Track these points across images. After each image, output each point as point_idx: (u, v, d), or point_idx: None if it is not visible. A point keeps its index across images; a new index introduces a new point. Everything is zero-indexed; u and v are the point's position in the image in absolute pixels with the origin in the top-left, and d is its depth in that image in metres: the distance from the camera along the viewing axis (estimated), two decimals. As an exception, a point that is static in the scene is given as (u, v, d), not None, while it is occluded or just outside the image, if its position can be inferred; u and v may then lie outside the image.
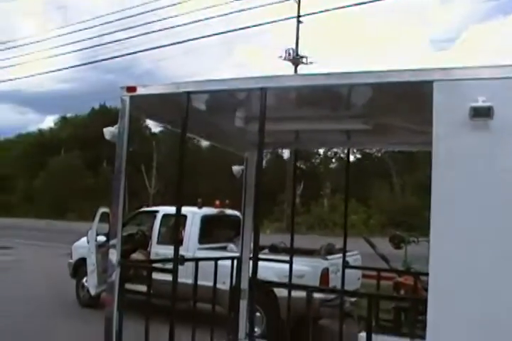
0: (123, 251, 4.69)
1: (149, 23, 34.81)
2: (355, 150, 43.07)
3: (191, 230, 10.73)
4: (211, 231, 11.29)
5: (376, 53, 79.50)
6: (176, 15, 34.34)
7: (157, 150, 55.64)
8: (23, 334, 9.14)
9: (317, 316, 9.01)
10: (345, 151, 7.21)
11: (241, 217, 6.62)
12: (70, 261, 12.39)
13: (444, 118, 3.49)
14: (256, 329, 8.43)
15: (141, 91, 4.53)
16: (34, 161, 66.61)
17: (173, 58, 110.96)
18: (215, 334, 5.96)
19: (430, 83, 3.53)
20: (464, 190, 3.45)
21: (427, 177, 3.57)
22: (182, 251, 6.88)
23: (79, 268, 11.69)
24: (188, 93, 4.33)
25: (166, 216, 11.28)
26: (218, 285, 6.11)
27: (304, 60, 42.13)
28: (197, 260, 6.19)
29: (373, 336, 4.07)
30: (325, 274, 9.17)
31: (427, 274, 3.59)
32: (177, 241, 4.89)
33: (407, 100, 4.26)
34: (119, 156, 4.54)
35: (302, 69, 41.72)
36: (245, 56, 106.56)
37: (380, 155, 54.73)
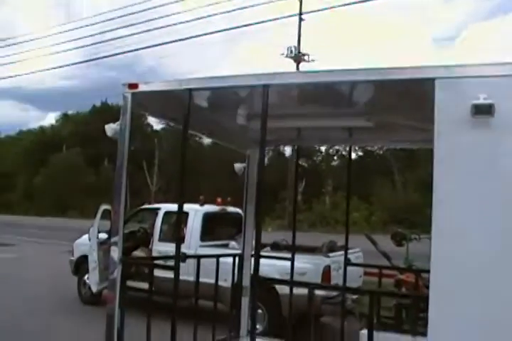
0: (124, 249, 4.69)
1: (151, 20, 34.66)
2: (356, 148, 43.06)
3: (193, 227, 10.73)
4: (213, 228, 11.28)
5: (378, 51, 79.40)
6: (179, 12, 34.30)
7: (159, 148, 55.65)
8: (25, 332, 9.15)
9: (319, 313, 9.01)
10: (347, 149, 7.20)
11: (243, 214, 6.62)
12: (72, 258, 12.39)
13: (446, 116, 3.49)
14: (257, 327, 8.46)
15: (142, 88, 4.54)
16: (35, 158, 66.64)
17: (176, 55, 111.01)
18: (217, 331, 5.96)
19: (432, 80, 3.53)
20: (465, 187, 3.45)
21: (429, 174, 3.57)
22: (184, 249, 6.89)
23: (80, 265, 11.70)
24: (190, 90, 4.33)
25: (167, 213, 11.28)
26: (220, 283, 6.11)
27: (306, 57, 42.09)
28: (199, 257, 6.19)
29: (374, 333, 4.07)
30: (327, 271, 9.17)
31: (428, 271, 3.59)
32: (179, 239, 4.89)
33: (408, 97, 4.26)
34: (120, 153, 4.54)
35: (304, 66, 41.69)
36: (247, 53, 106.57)
37: (381, 152, 54.75)
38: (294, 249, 6.57)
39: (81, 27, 38.62)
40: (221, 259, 6.17)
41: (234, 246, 9.93)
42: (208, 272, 5.89)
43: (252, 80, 4.25)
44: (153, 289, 5.19)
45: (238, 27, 31.87)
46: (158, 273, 5.24)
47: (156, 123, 63.18)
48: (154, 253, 10.75)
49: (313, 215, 45.45)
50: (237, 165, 6.53)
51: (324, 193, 50.80)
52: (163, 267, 5.42)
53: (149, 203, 19.93)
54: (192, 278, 5.65)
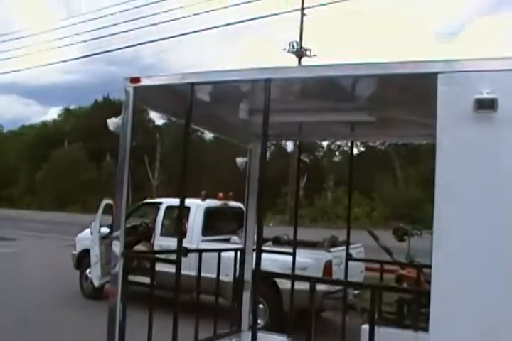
0: (126, 243, 4.69)
1: (153, 14, 34.62)
2: (358, 143, 43.06)
3: (195, 222, 10.74)
4: (214, 223, 11.30)
5: (380, 45, 79.21)
6: (181, 7, 34.26)
7: (160, 143, 55.67)
8: (28, 325, 9.18)
9: (320, 308, 9.03)
10: (349, 144, 7.19)
11: (244, 208, 6.62)
12: (74, 252, 12.42)
13: (448, 111, 3.48)
14: (259, 321, 8.47)
15: (145, 82, 4.52)
16: (37, 153, 66.65)
17: (177, 51, 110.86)
18: (218, 326, 5.97)
19: (434, 75, 3.52)
20: (467, 182, 3.45)
21: (431, 170, 3.56)
22: (185, 243, 6.88)
23: (82, 259, 11.73)
24: (192, 84, 4.32)
25: (169, 208, 11.31)
26: (221, 277, 6.11)
27: (308, 52, 42.01)
28: (200, 251, 6.19)
29: (376, 328, 4.07)
30: (328, 266, 9.19)
31: (429, 267, 3.59)
32: (180, 233, 4.89)
33: (411, 92, 4.25)
34: (122, 148, 4.54)
35: (306, 61, 41.59)
36: (249, 48, 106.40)
37: (383, 148, 54.75)
38: (295, 243, 6.57)
39: (83, 22, 38.58)
40: (222, 254, 6.17)
41: (235, 241, 9.94)
42: (210, 267, 5.89)
43: (254, 74, 4.24)
44: (155, 283, 5.19)
45: (240, 22, 31.81)
46: (159, 267, 5.23)
47: (157, 119, 63.32)
48: (156, 248, 10.77)
49: (315, 210, 45.53)
50: (239, 160, 6.52)
51: (326, 188, 50.86)
52: (165, 261, 5.42)
53: (151, 198, 19.94)
54: (193, 273, 5.65)
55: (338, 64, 3.96)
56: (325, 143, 59.89)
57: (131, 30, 34.69)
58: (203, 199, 11.19)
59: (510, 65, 3.39)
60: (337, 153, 62.63)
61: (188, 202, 5.62)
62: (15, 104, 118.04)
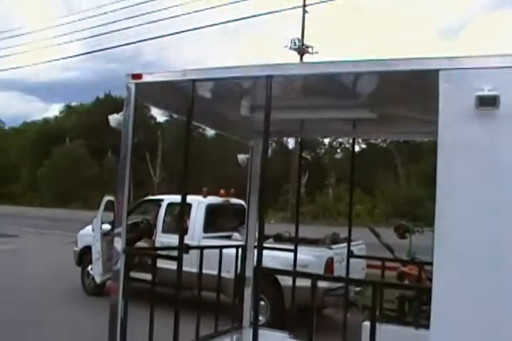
0: (128, 240, 4.70)
1: (154, 11, 34.63)
2: (360, 141, 43.02)
3: (196, 219, 10.75)
4: (216, 220, 11.31)
5: (382, 42, 79.20)
6: (182, 4, 34.21)
7: (162, 140, 55.67)
8: (29, 322, 9.19)
9: (321, 305, 9.04)
10: (351, 141, 7.18)
11: (246, 205, 6.62)
12: (76, 249, 12.44)
13: (450, 108, 3.47)
14: (260, 318, 8.46)
15: (146, 78, 4.52)
16: (39, 150, 66.69)
17: (178, 47, 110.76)
18: (220, 322, 5.98)
19: (436, 72, 3.52)
20: (469, 180, 3.44)
21: (432, 167, 3.56)
22: (187, 240, 6.90)
23: (84, 256, 11.75)
24: (194, 81, 4.32)
25: (170, 204, 11.31)
26: (223, 274, 6.12)
27: (310, 49, 41.98)
28: (202, 248, 6.20)
29: (377, 325, 4.07)
30: (329, 263, 9.20)
31: (431, 264, 3.59)
32: (182, 230, 4.89)
33: (412, 89, 4.25)
34: (124, 144, 4.54)
35: (307, 59, 41.59)
36: (250, 46, 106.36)
37: (385, 145, 54.71)
38: (296, 240, 6.57)
39: (83, 19, 38.54)
40: (224, 251, 6.17)
41: (237, 238, 9.94)
42: (211, 263, 5.90)
43: (255, 71, 4.23)
44: (157, 280, 5.20)
45: (240, 19, 31.76)
46: (161, 264, 5.24)
47: (159, 116, 63.24)
48: (157, 245, 10.79)
49: (316, 207, 45.53)
50: (241, 157, 6.52)
51: (327, 186, 50.83)
52: (167, 257, 5.42)
53: (152, 195, 19.95)
54: (195, 270, 5.66)
55: (340, 61, 3.95)
56: (326, 141, 59.86)
57: (131, 27, 34.66)
58: (205, 196, 11.20)
59: (511, 62, 3.38)
60: (338, 150, 62.61)
61: (189, 198, 5.62)
62: (16, 101, 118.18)
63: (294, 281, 6.10)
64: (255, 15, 30.66)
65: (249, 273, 6.25)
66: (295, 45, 41.58)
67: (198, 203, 10.87)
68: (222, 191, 11.63)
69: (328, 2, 29.96)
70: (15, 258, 17.13)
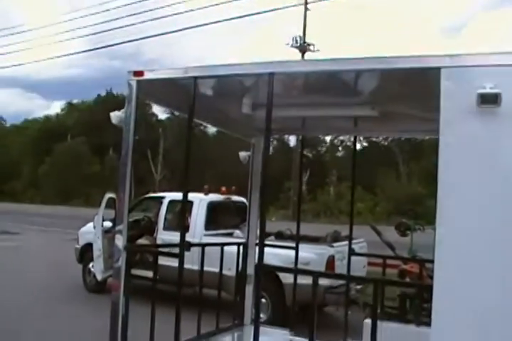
0: (129, 237, 4.70)
1: (156, 9, 34.57)
2: (361, 139, 43.00)
3: (197, 216, 10.76)
4: (217, 217, 11.31)
5: (384, 40, 79.09)
6: (184, 1, 34.16)
7: (163, 137, 55.68)
8: (30, 319, 9.21)
9: (322, 303, 9.05)
10: (352, 139, 7.18)
11: (247, 203, 6.62)
12: (77, 246, 12.45)
13: (452, 105, 3.47)
14: (261, 315, 8.47)
15: (148, 75, 4.52)
16: (40, 147, 66.75)
17: (180, 45, 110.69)
18: (221, 320, 5.98)
19: (438, 70, 3.51)
20: (470, 178, 3.44)
21: (434, 165, 3.55)
22: (188, 238, 6.90)
23: (85, 253, 11.75)
24: (195, 78, 4.31)
25: (172, 202, 11.31)
26: (224, 271, 6.13)
27: (311, 47, 41.95)
28: (203, 245, 6.21)
29: (378, 322, 4.07)
30: (331, 261, 9.20)
31: (432, 262, 3.59)
32: (183, 227, 4.89)
33: (414, 87, 4.25)
34: (125, 141, 4.54)
35: (309, 56, 41.53)
36: (252, 43, 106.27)
37: (386, 143, 54.68)
38: (298, 238, 6.57)
39: (85, 16, 38.54)
40: (225, 248, 6.18)
41: (238, 235, 9.93)
42: (212, 261, 5.91)
43: (257, 68, 4.23)
44: (158, 277, 5.20)
45: (242, 16, 31.74)
46: (162, 261, 5.24)
47: (160, 113, 63.28)
48: (158, 242, 10.77)
49: (318, 205, 45.51)
50: (242, 154, 6.52)
51: (329, 183, 50.84)
52: (168, 254, 5.42)
53: (154, 192, 19.95)
54: (196, 267, 5.66)
55: (342, 58, 3.95)
56: (328, 138, 59.88)
57: (133, 24, 34.64)
58: (206, 194, 11.21)
59: (513, 60, 3.38)
60: (340, 148, 62.63)
61: (191, 196, 5.60)
62: (18, 98, 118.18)
63: (295, 279, 6.11)
64: (257, 13, 30.65)
65: (250, 270, 6.25)
66: (296, 42, 41.54)
67: (200, 200, 10.87)
68: (223, 188, 11.63)
69: (329, 0, 29.91)
70: (17, 255, 17.17)
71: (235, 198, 11.68)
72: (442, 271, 3.46)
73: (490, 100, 3.33)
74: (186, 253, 4.52)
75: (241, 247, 6.34)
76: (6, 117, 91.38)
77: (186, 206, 5.89)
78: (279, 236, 10.51)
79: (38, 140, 69.71)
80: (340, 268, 8.93)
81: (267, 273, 8.31)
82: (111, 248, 4.85)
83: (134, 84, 4.51)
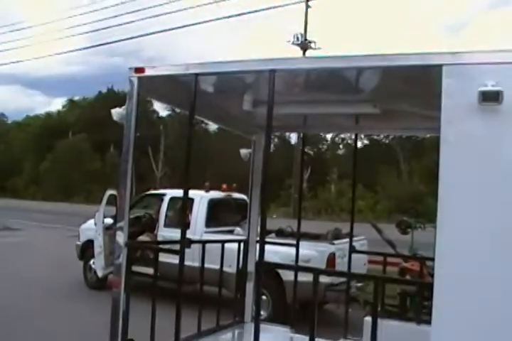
0: (130, 234, 4.69)
1: (157, 6, 34.51)
2: (362, 136, 43.02)
3: (198, 213, 10.76)
4: (218, 214, 11.32)
5: (386, 38, 78.97)
6: (186, -2, 34.13)
7: (164, 134, 55.71)
8: (31, 315, 9.22)
9: (323, 300, 9.06)
10: (353, 137, 7.17)
11: (248, 200, 6.62)
12: (78, 243, 12.46)
13: (453, 103, 3.46)
14: (262, 313, 8.48)
15: (149, 72, 4.51)
16: (42, 144, 66.83)
17: (181, 42, 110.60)
18: (222, 317, 5.99)
19: (439, 67, 3.51)
20: (471, 175, 3.43)
21: (435, 163, 3.55)
22: (189, 235, 6.89)
23: (86, 250, 11.77)
24: (196, 75, 4.31)
25: (173, 199, 11.31)
26: (225, 269, 6.13)
27: (313, 44, 41.87)
28: (204, 242, 6.21)
29: (379, 320, 4.07)
30: (331, 259, 9.21)
31: (432, 259, 3.59)
32: (184, 224, 4.90)
33: (415, 84, 4.24)
34: (126, 138, 4.53)
35: (310, 54, 41.45)
36: (253, 40, 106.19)
37: (387, 141, 54.69)
38: (299, 235, 6.57)
39: (86, 13, 38.52)
40: (226, 245, 6.18)
41: (239, 233, 9.95)
42: (213, 258, 5.91)
43: (258, 65, 4.22)
44: (159, 274, 5.20)
45: (243, 13, 31.70)
46: (163, 258, 5.24)
47: (161, 110, 63.34)
48: (159, 239, 10.79)
49: (319, 203, 45.51)
50: (243, 151, 6.51)
51: (329, 181, 50.84)
52: (169, 251, 5.42)
53: (155, 189, 19.98)
54: (197, 264, 5.66)
55: (343, 55, 3.94)
56: (329, 136, 59.91)
57: (133, 21, 34.61)
58: (207, 191, 11.21)
59: (515, 58, 3.37)
60: (341, 146, 62.65)
61: (191, 193, 5.61)
62: (19, 95, 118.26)
63: (295, 276, 6.11)
64: (258, 10, 30.60)
65: (251, 267, 6.26)
66: (298, 40, 41.46)
67: (200, 198, 10.87)
68: (224, 186, 11.64)
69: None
70: (18, 251, 17.19)
71: (236, 195, 11.69)
72: (443, 269, 3.46)
73: (491, 98, 3.32)
74: (187, 250, 4.51)
75: (242, 244, 6.34)
76: (8, 114, 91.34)
77: (187, 203, 5.90)
78: (280, 233, 10.51)
79: (39, 137, 69.80)
80: (341, 265, 8.93)
81: (268, 271, 8.31)
82: (112, 244, 4.85)
83: (135, 80, 4.50)
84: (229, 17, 32.32)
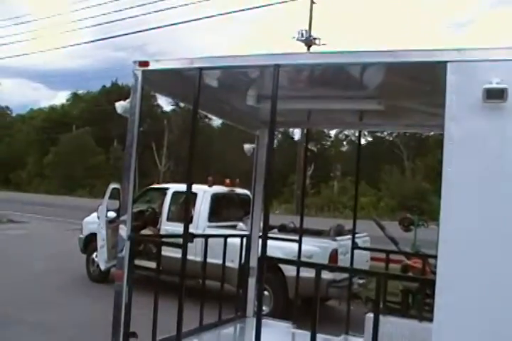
0: (133, 228, 4.69)
1: (160, 0, 34.47)
2: (366, 133, 42.95)
3: (201, 208, 10.75)
4: (221, 209, 11.32)
5: (391, 34, 78.81)
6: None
7: (168, 129, 55.72)
8: (34, 308, 9.24)
9: (325, 297, 9.06)
10: (357, 134, 7.16)
11: (251, 195, 6.62)
12: (81, 236, 12.47)
13: (457, 100, 3.45)
14: (264, 308, 8.49)
15: (153, 65, 4.50)
16: (46, 137, 66.90)
17: (186, 37, 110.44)
18: (224, 311, 6.00)
19: (444, 64, 3.49)
20: (475, 173, 3.43)
21: (439, 161, 3.54)
22: (191, 229, 6.90)
23: (89, 243, 11.79)
24: (201, 69, 4.30)
25: (176, 193, 11.30)
26: (227, 264, 6.13)
27: (317, 41, 41.76)
28: (206, 236, 6.21)
29: (381, 317, 4.08)
30: (334, 255, 9.19)
31: (435, 257, 3.58)
32: (187, 218, 4.91)
33: (420, 81, 4.23)
34: (130, 132, 4.52)
35: (315, 50, 41.41)
36: (258, 36, 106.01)
37: (391, 138, 54.64)
38: (301, 231, 6.57)
39: (92, 6, 38.46)
40: (228, 240, 6.18)
41: (242, 228, 9.94)
42: (216, 253, 5.91)
43: (263, 60, 4.20)
44: (161, 269, 5.20)
45: (249, 9, 31.58)
46: (165, 252, 5.25)
47: (165, 105, 63.32)
48: (162, 233, 10.78)
49: (322, 200, 45.55)
50: (247, 146, 6.51)
51: (333, 178, 50.88)
52: (171, 245, 5.42)
53: (158, 183, 19.98)
54: (199, 259, 5.67)
55: (348, 51, 3.92)
56: (332, 133, 59.91)
57: (137, 15, 34.55)
58: (210, 186, 11.20)
59: (521, 55, 3.36)
60: (344, 143, 62.65)
61: (195, 187, 5.59)
62: (23, 88, 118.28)
63: (298, 271, 6.11)
64: (264, 6, 30.49)
65: (253, 262, 6.26)
66: (302, 36, 41.35)
67: (204, 192, 10.87)
68: (227, 181, 11.63)
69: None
70: (22, 244, 17.24)
71: (239, 190, 11.68)
72: (445, 266, 3.45)
73: (496, 95, 3.31)
74: (189, 245, 4.51)
75: (244, 239, 6.35)
76: (12, 107, 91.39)
77: (190, 197, 5.89)
78: (283, 229, 10.50)
79: (43, 130, 69.84)
80: (343, 262, 8.92)
81: (270, 266, 8.31)
82: (115, 238, 4.86)
83: (139, 74, 4.49)
84: (234, 12, 32.20)
